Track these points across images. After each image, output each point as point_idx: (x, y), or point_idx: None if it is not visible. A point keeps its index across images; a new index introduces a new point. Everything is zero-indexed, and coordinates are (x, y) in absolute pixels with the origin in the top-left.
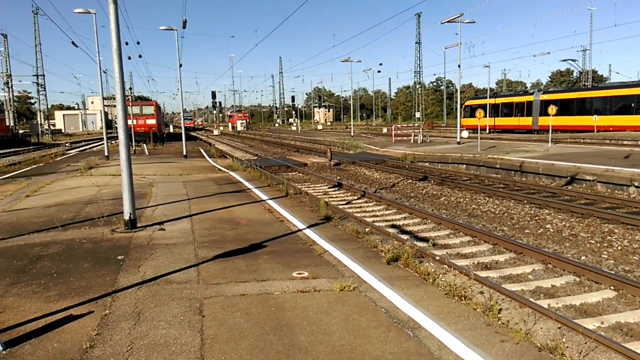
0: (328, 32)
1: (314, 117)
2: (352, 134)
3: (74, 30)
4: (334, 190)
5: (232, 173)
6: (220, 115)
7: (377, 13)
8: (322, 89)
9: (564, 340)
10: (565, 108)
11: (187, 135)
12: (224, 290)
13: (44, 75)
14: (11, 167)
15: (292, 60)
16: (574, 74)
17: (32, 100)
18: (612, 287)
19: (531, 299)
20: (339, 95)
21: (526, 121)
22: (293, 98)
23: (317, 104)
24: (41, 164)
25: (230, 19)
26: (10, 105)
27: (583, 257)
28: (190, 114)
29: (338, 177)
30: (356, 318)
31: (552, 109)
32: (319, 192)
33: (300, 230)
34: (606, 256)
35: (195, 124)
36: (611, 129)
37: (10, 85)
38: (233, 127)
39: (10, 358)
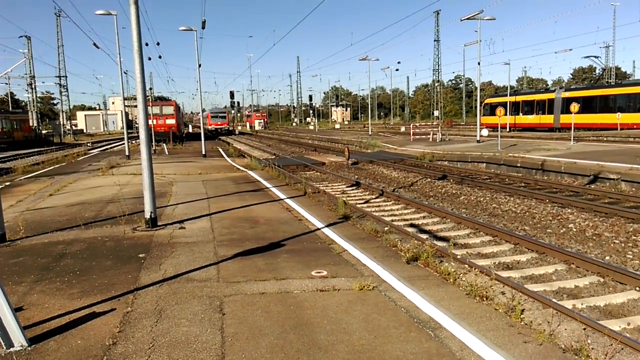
0: (346, 31)
1: (331, 116)
2: (369, 132)
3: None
4: (352, 189)
5: (250, 172)
6: (239, 114)
7: (395, 11)
8: (339, 88)
9: (589, 341)
10: (587, 105)
11: (206, 135)
12: (244, 288)
13: (66, 77)
14: (35, 166)
15: (310, 59)
16: (597, 71)
17: (55, 101)
18: (637, 288)
19: (554, 300)
20: (356, 94)
21: (547, 119)
22: (310, 97)
23: (334, 103)
24: (63, 164)
25: (248, 19)
26: (34, 106)
27: (607, 257)
28: (222, 109)
29: (356, 176)
30: (376, 317)
31: (575, 107)
32: (337, 191)
33: (318, 229)
34: (631, 256)
35: (230, 125)
36: (635, 126)
37: (33, 87)
38: (251, 127)
39: (35, 354)
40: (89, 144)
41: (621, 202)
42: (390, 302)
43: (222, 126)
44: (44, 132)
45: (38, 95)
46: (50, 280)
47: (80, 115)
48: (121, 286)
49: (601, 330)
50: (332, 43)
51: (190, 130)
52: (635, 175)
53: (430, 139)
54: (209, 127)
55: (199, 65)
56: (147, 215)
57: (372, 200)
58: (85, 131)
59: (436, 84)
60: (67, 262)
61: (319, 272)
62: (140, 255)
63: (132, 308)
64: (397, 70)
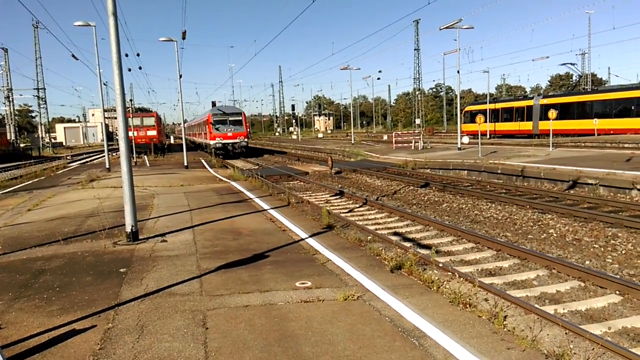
0: (327, 41)
1: (314, 125)
2: (352, 141)
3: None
4: (336, 199)
5: (233, 183)
6: None
7: (375, 21)
8: (322, 97)
9: (571, 346)
10: (565, 112)
11: (188, 146)
12: (227, 301)
13: (44, 89)
14: (12, 181)
15: (292, 69)
16: (574, 78)
17: (33, 114)
18: (617, 292)
19: (536, 305)
20: (339, 103)
21: (526, 126)
22: (293, 107)
23: (317, 112)
24: (42, 178)
25: (229, 29)
26: (11, 119)
27: (587, 262)
28: (235, 109)
29: (339, 185)
30: (361, 328)
31: (553, 113)
32: (321, 200)
33: (302, 239)
34: (610, 260)
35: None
36: (612, 132)
37: (11, 99)
38: None
39: None
40: (68, 157)
41: (600, 206)
42: (374, 312)
43: (237, 140)
44: (22, 145)
45: (16, 108)
46: (28, 297)
47: (59, 127)
48: (102, 302)
49: (583, 334)
50: (314, 52)
51: (172, 141)
52: (613, 180)
53: (412, 147)
54: (213, 143)
55: (180, 76)
56: (128, 228)
57: (356, 209)
58: (64, 144)
59: (417, 93)
60: (46, 279)
61: (304, 283)
62: (121, 270)
63: (113, 324)
64: (378, 79)
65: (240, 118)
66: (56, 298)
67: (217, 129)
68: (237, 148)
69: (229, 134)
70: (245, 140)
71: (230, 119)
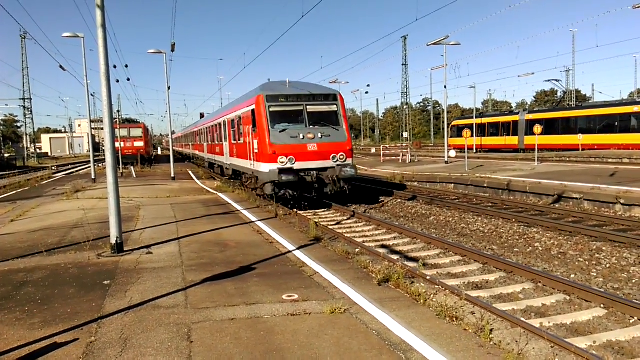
0: (316, 55)
1: None
2: None
3: (62, 54)
4: (324, 211)
5: (220, 195)
6: None
7: (364, 36)
8: None
9: (556, 359)
10: (550, 127)
11: (175, 157)
12: (213, 314)
13: (30, 99)
14: None
15: None
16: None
17: (19, 124)
18: (602, 305)
19: (523, 319)
20: None
21: (512, 140)
22: None
23: None
24: (27, 188)
25: (218, 42)
26: None
27: (572, 276)
28: (329, 92)
29: None
30: (347, 341)
31: (538, 128)
32: (309, 213)
33: (290, 251)
34: (595, 274)
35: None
36: (596, 147)
37: None
38: None
39: None
40: (53, 168)
41: (584, 220)
42: (361, 325)
43: (335, 162)
44: (6, 155)
45: (1, 118)
46: (9, 310)
47: (45, 138)
48: (85, 315)
49: (568, 348)
50: (303, 66)
51: (160, 152)
52: (597, 194)
53: (400, 160)
54: (267, 171)
55: (169, 88)
56: (113, 240)
57: (343, 222)
58: (50, 154)
59: (405, 107)
60: (28, 291)
61: (290, 296)
62: (105, 282)
63: (95, 337)
64: (367, 93)
65: (335, 108)
66: (38, 311)
67: (280, 132)
68: (337, 180)
69: (313, 146)
70: (350, 162)
71: (314, 108)
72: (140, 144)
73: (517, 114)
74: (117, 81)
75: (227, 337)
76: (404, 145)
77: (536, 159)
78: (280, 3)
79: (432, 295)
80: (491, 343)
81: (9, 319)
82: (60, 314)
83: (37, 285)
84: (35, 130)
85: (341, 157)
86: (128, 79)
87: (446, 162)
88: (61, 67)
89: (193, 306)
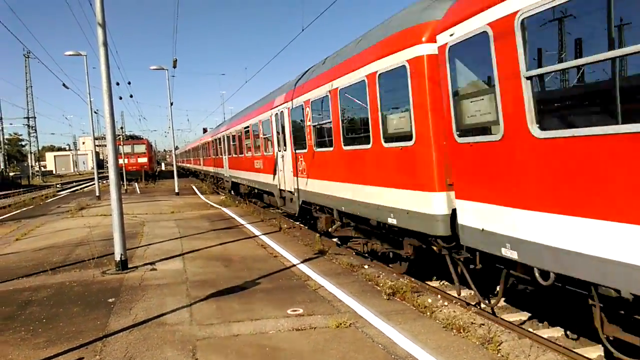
0: None
1: None
2: None
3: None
4: None
5: (224, 209)
6: None
7: None
8: None
9: None
10: None
11: (179, 172)
12: (218, 331)
13: (34, 117)
14: (0, 210)
15: None
16: None
17: (23, 143)
18: None
19: (530, 330)
20: None
21: None
22: None
23: None
24: (31, 207)
25: (220, 57)
26: (1, 147)
27: None
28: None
29: None
30: (353, 356)
31: None
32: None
33: (294, 265)
34: None
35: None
36: None
37: (0, 128)
38: None
39: None
40: (58, 185)
41: None
42: (367, 339)
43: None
44: (11, 174)
45: (5, 137)
46: (14, 329)
47: (49, 156)
48: (89, 333)
49: (577, 359)
50: None
51: (163, 168)
52: None
53: None
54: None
55: (171, 104)
56: (117, 257)
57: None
58: (54, 172)
59: None
60: (32, 310)
61: (295, 311)
62: (110, 300)
63: (100, 356)
64: None
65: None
66: (43, 330)
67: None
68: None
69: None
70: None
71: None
72: (144, 160)
73: None
74: (120, 98)
75: (232, 354)
76: None
77: None
78: (280, 19)
79: (438, 308)
80: (499, 355)
81: (14, 339)
82: (65, 333)
83: (41, 304)
84: (40, 148)
85: None
86: (131, 96)
87: None
88: (64, 85)
89: (198, 322)
